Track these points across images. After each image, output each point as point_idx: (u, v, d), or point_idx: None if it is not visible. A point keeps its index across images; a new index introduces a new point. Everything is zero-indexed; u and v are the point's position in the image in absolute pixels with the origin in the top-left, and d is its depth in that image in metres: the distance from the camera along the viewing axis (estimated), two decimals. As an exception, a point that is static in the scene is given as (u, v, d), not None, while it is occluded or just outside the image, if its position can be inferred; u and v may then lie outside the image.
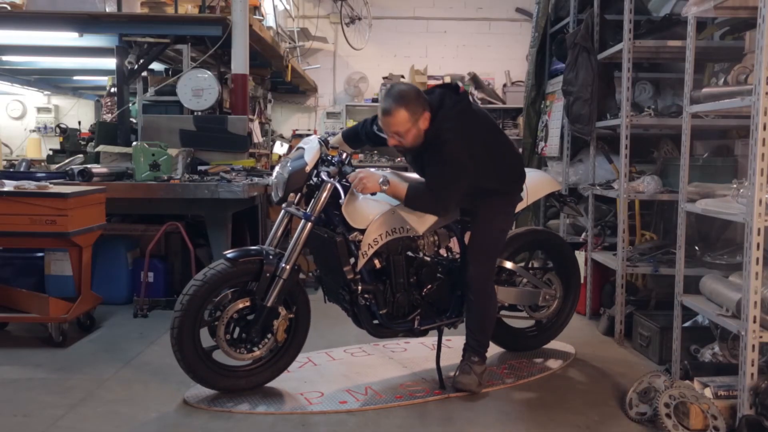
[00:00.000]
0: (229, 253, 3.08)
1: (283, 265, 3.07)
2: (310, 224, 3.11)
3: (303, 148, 3.23)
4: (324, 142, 3.25)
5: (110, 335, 4.12)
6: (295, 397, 3.17)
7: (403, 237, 3.20)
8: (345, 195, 3.10)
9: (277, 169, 3.31)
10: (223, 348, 3.07)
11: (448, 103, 3.12)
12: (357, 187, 3.07)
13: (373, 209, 3.15)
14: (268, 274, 3.07)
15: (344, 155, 3.21)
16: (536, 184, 3.65)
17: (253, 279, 3.10)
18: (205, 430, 2.82)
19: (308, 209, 3.14)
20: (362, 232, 3.11)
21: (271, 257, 3.10)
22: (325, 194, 3.11)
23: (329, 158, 3.21)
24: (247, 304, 3.09)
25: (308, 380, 3.38)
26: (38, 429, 2.79)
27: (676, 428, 2.75)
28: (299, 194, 3.24)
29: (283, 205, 3.28)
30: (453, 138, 3.04)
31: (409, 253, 3.26)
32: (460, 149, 3.05)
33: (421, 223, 3.21)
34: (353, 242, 3.11)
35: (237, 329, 3.11)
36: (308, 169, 3.13)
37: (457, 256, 3.44)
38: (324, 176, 3.12)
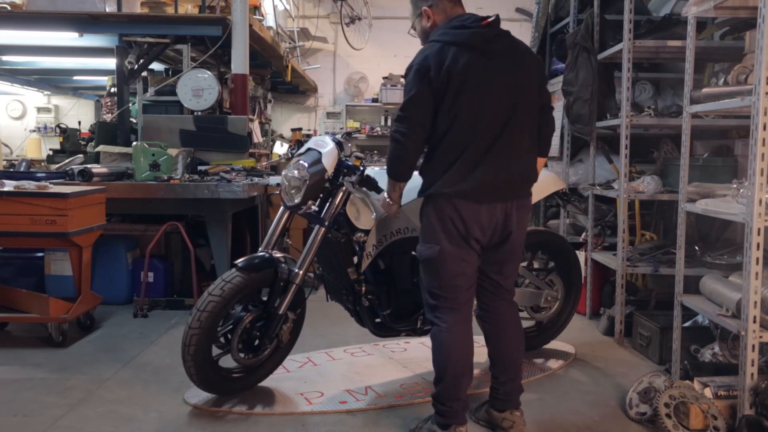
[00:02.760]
0: (240, 263, 3.03)
1: (297, 270, 3.06)
2: (323, 229, 3.07)
3: (317, 151, 3.08)
4: (338, 144, 3.11)
5: (110, 335, 4.12)
6: (295, 397, 3.17)
7: (408, 237, 3.17)
8: (371, 205, 3.05)
9: (290, 171, 3.08)
10: (234, 356, 3.06)
11: (449, 27, 2.62)
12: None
13: (378, 210, 3.13)
14: (282, 283, 3.06)
15: (365, 164, 3.17)
16: (541, 182, 3.60)
17: (264, 286, 3.09)
18: (204, 430, 2.82)
19: (323, 214, 3.07)
20: (366, 232, 3.09)
21: (283, 265, 3.08)
22: (339, 199, 3.05)
23: (346, 161, 3.13)
24: (259, 313, 3.08)
25: (308, 380, 3.38)
26: (38, 429, 2.79)
27: (676, 428, 2.75)
28: None
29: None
30: (415, 59, 2.62)
31: (413, 253, 3.23)
32: (414, 71, 2.58)
33: None
34: (357, 242, 3.10)
35: (247, 336, 3.08)
36: (328, 175, 3.04)
37: None
38: (349, 187, 3.03)
